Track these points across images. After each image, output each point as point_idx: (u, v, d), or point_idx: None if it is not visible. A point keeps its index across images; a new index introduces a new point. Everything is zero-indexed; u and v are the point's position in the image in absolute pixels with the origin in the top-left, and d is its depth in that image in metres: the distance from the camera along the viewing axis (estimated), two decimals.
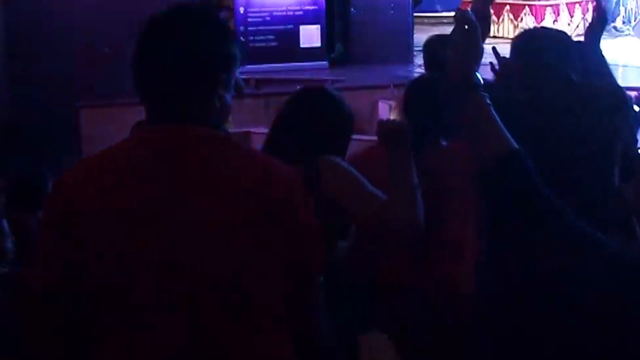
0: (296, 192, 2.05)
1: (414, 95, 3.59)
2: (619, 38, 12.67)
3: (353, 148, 3.20)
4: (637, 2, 12.91)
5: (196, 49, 2.01)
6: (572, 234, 2.04)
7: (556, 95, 3.00)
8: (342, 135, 3.05)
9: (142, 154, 1.99)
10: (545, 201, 2.07)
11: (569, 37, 3.71)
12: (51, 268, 1.96)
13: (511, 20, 13.25)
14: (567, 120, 2.96)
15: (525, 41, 3.25)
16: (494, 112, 2.20)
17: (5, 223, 4.01)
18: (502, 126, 2.20)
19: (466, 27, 2.19)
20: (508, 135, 2.18)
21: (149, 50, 2.04)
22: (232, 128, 8.29)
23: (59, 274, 1.94)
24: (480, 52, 2.23)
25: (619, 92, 3.50)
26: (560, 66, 3.06)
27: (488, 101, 2.21)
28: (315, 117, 3.00)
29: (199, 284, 1.91)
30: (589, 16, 12.46)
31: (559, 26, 12.06)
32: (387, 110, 8.44)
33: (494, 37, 12.47)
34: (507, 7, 13.18)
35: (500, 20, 13.21)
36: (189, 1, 2.24)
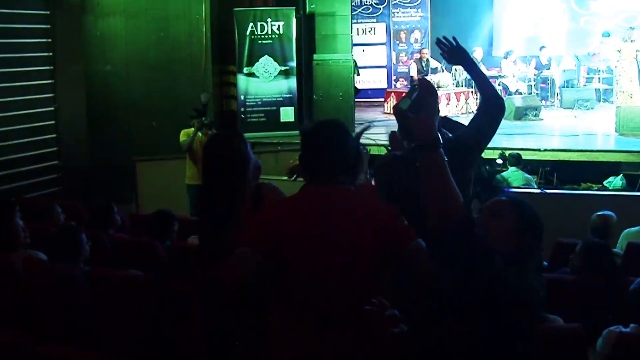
0: (392, 217, 2.26)
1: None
2: None
3: None
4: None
5: (337, 145, 2.34)
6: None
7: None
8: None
9: (314, 201, 2.30)
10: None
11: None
12: (258, 247, 2.24)
13: None
14: None
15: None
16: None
17: (84, 235, 4.25)
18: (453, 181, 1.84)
19: (429, 90, 1.92)
20: (457, 189, 1.84)
21: (312, 145, 2.39)
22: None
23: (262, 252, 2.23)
24: (438, 112, 1.91)
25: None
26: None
27: (445, 158, 1.88)
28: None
29: (338, 277, 2.18)
30: (470, 100, 12.71)
31: (450, 108, 12.40)
32: None
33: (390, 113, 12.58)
34: None
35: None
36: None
